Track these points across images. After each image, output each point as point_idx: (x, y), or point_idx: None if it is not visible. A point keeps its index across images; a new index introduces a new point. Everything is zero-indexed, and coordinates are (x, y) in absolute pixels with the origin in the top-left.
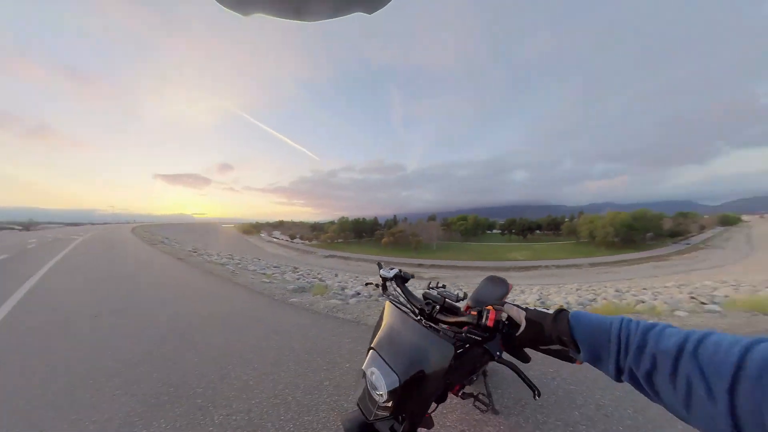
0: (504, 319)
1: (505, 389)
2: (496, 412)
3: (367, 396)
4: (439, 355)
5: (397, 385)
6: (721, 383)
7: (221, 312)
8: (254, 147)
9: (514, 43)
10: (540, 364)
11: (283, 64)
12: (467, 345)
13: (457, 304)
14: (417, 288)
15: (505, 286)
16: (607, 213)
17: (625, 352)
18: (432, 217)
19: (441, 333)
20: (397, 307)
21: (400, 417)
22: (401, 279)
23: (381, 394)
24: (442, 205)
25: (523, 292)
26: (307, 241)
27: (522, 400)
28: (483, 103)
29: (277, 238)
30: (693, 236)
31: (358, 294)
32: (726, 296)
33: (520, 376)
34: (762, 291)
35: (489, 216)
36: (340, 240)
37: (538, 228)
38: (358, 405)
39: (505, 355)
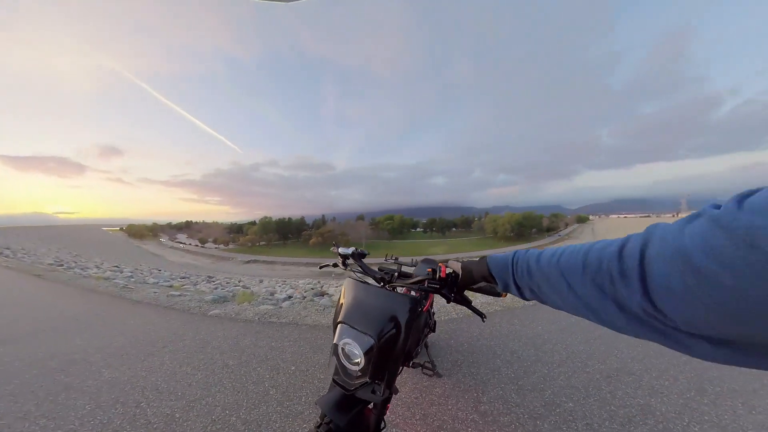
0: (450, 272)
1: (444, 356)
2: (439, 376)
3: (341, 371)
4: (405, 309)
5: (372, 344)
6: (632, 262)
7: (117, 339)
8: (155, 128)
9: (445, 65)
10: (468, 327)
11: (202, 29)
12: (427, 295)
13: (411, 269)
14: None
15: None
16: (505, 214)
17: (520, 275)
18: (360, 217)
19: (404, 291)
20: (358, 280)
21: (377, 381)
22: (359, 255)
23: (357, 361)
24: (370, 206)
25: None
26: (222, 246)
27: (458, 362)
28: (412, 113)
29: (184, 244)
30: (561, 230)
31: (290, 297)
32: None
33: (469, 308)
34: None
35: (413, 216)
36: (262, 243)
37: (454, 226)
38: (334, 380)
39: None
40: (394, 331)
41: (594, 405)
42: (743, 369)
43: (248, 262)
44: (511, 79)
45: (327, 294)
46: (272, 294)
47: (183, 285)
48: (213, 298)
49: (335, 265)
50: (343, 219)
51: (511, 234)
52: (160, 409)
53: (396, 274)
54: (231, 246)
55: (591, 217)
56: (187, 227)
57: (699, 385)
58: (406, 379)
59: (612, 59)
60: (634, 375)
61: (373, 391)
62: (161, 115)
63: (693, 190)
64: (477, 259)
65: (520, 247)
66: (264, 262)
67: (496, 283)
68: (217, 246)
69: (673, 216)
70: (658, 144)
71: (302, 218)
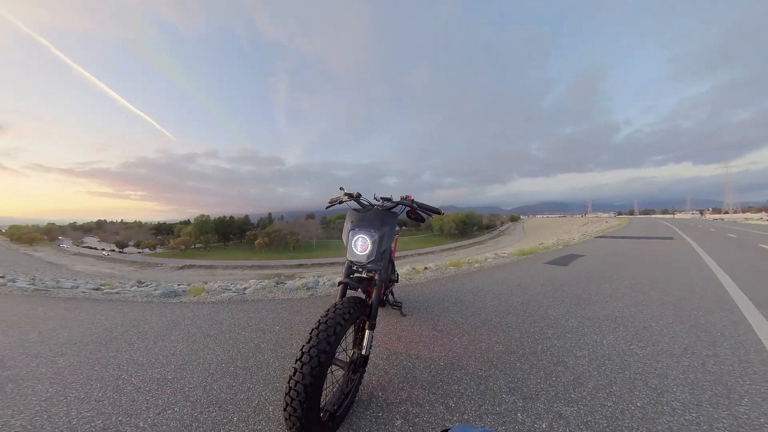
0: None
1: (405, 306)
2: (404, 315)
3: (351, 266)
4: (391, 218)
5: (376, 236)
6: None
7: (59, 332)
8: (55, 98)
9: (402, 69)
10: (421, 288)
11: None
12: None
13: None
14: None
15: None
16: (451, 213)
17: None
18: (310, 216)
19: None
20: (358, 210)
21: (379, 261)
22: (358, 195)
23: (367, 246)
24: (320, 203)
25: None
26: (148, 250)
27: (417, 308)
28: (367, 113)
29: (94, 248)
30: (497, 228)
31: (246, 289)
32: (509, 253)
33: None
34: (521, 248)
35: None
36: (199, 245)
37: (404, 225)
38: (349, 262)
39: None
40: (387, 228)
41: (513, 318)
42: (599, 291)
43: (182, 267)
44: (461, 91)
45: (290, 281)
46: (227, 288)
47: (114, 287)
48: (163, 293)
49: (341, 202)
50: (291, 218)
51: (456, 231)
52: (146, 376)
53: (382, 201)
54: (159, 250)
55: (522, 216)
56: (99, 228)
57: (576, 298)
58: (381, 318)
59: (544, 86)
60: (539, 302)
61: (378, 263)
62: (64, 82)
63: (596, 196)
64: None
65: (464, 242)
66: (202, 267)
67: None
68: (141, 251)
69: (582, 216)
70: (574, 158)
71: (246, 217)
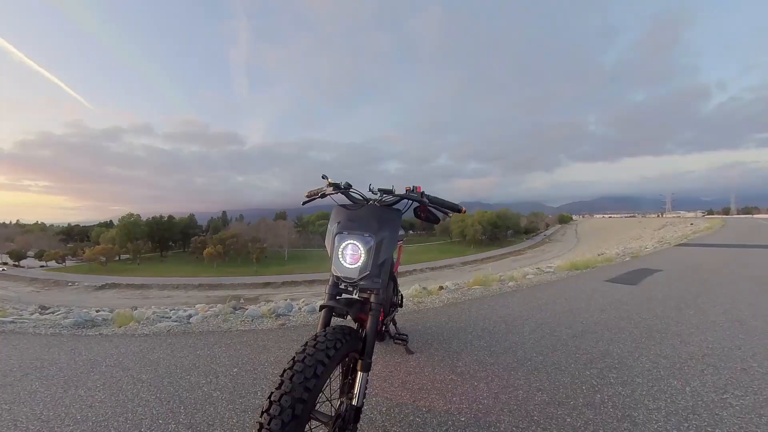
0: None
1: (412, 339)
2: (411, 352)
3: (338, 283)
4: (393, 216)
5: (372, 243)
6: None
7: None
8: None
9: (407, 13)
10: (434, 315)
11: None
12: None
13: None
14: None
15: None
16: (476, 212)
17: None
18: (281, 215)
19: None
20: (347, 206)
21: (375, 276)
22: (347, 186)
23: (359, 257)
24: (294, 198)
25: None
26: (55, 262)
27: (427, 341)
28: (360, 73)
29: None
30: (541, 232)
31: (191, 317)
32: (557, 267)
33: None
34: (572, 260)
35: None
36: (125, 256)
37: (411, 227)
38: (335, 278)
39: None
40: (387, 232)
41: (561, 355)
42: (681, 319)
43: (102, 287)
44: (488, 42)
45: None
46: (164, 317)
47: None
48: (75, 322)
49: (323, 196)
50: (254, 217)
51: (483, 237)
52: None
53: (380, 195)
54: (70, 263)
55: (574, 216)
56: None
57: (649, 329)
58: (378, 357)
59: (607, 34)
60: (597, 333)
61: (375, 279)
62: None
63: (677, 188)
64: None
65: (494, 252)
66: (130, 286)
67: None
68: (44, 263)
69: (658, 216)
70: (646, 136)
71: (191, 217)
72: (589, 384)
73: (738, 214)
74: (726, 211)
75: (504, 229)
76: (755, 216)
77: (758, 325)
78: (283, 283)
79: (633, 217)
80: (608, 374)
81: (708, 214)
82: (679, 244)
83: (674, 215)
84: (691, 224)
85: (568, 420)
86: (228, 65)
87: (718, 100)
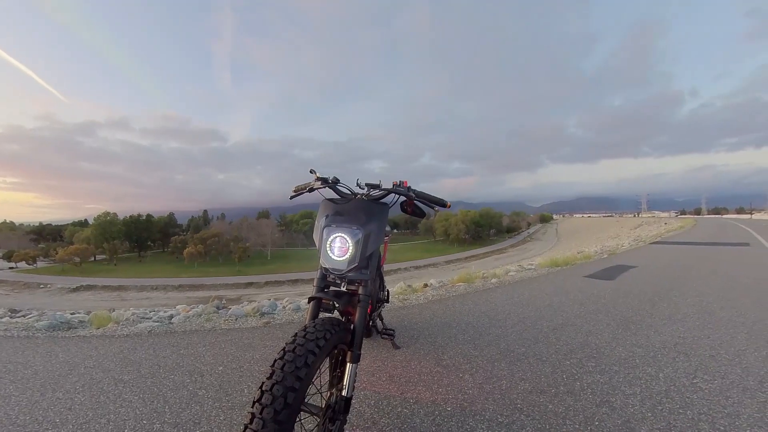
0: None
1: (398, 335)
2: (397, 347)
3: (326, 275)
4: (380, 209)
5: (360, 235)
6: None
7: None
8: None
9: (394, 12)
10: (419, 311)
11: None
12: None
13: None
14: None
15: None
16: (459, 211)
17: None
18: (264, 214)
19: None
20: (335, 200)
21: (363, 268)
22: (335, 181)
23: (347, 249)
24: (278, 196)
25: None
26: (26, 263)
27: (413, 336)
28: (345, 70)
29: None
30: (523, 231)
31: (173, 317)
32: (538, 264)
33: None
34: (553, 257)
35: None
36: (101, 256)
37: (395, 226)
38: (323, 270)
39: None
40: (375, 225)
41: (542, 347)
42: (655, 312)
43: (76, 289)
44: (474, 44)
45: (236, 306)
46: (144, 317)
47: None
48: (50, 324)
49: (311, 190)
50: (236, 216)
51: (466, 236)
52: None
53: (367, 189)
54: (41, 263)
55: (555, 216)
56: None
57: (625, 320)
58: (366, 353)
59: (587, 41)
60: (576, 325)
61: (363, 271)
62: None
63: (652, 189)
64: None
65: (477, 250)
66: (106, 287)
67: None
68: (13, 265)
69: (634, 216)
70: (624, 139)
71: (171, 216)
72: (569, 373)
73: (708, 214)
74: (697, 212)
75: (487, 228)
76: (724, 216)
77: (725, 316)
78: (266, 283)
79: (611, 216)
80: (587, 363)
81: (681, 214)
82: (654, 243)
83: (649, 215)
84: (665, 224)
85: (550, 407)
86: (211, 59)
87: (691, 107)
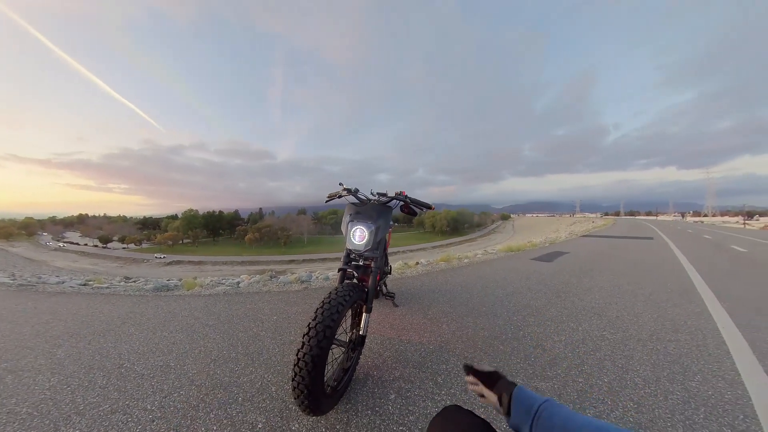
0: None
1: (397, 298)
2: (396, 306)
3: (350, 254)
4: (387, 210)
5: (373, 227)
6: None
7: (52, 326)
8: (30, 83)
9: (397, 66)
10: (412, 282)
11: None
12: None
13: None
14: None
15: None
16: (443, 210)
17: (541, 427)
18: (302, 211)
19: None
20: (356, 204)
21: (375, 249)
22: (356, 190)
23: (364, 236)
24: (312, 199)
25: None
26: (134, 245)
27: (408, 299)
28: (361, 108)
29: (76, 244)
30: (488, 226)
31: (240, 283)
32: (498, 250)
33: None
34: (509, 245)
35: None
36: (187, 240)
37: (396, 222)
38: (348, 250)
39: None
40: (383, 221)
41: (498, 307)
42: (579, 285)
43: (170, 263)
44: (456, 89)
45: (283, 275)
46: (219, 283)
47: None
48: (155, 287)
49: (340, 196)
50: (282, 213)
51: (447, 229)
52: (149, 364)
53: (378, 196)
54: (145, 245)
55: (512, 215)
56: (80, 222)
57: (557, 290)
58: (375, 308)
59: (539, 88)
60: (522, 293)
61: (374, 251)
62: (41, 65)
63: (584, 197)
64: (491, 370)
65: (455, 239)
66: (190, 262)
67: (508, 413)
68: (125, 246)
69: (570, 216)
70: (564, 159)
71: (236, 212)
72: (516, 325)
73: (625, 215)
74: (617, 214)
75: (462, 224)
76: (637, 217)
77: (630, 289)
78: (304, 261)
79: (553, 216)
80: (528, 319)
81: (605, 215)
82: (583, 235)
83: (581, 216)
84: (593, 222)
85: (501, 348)
86: (267, 100)
87: (614, 136)
